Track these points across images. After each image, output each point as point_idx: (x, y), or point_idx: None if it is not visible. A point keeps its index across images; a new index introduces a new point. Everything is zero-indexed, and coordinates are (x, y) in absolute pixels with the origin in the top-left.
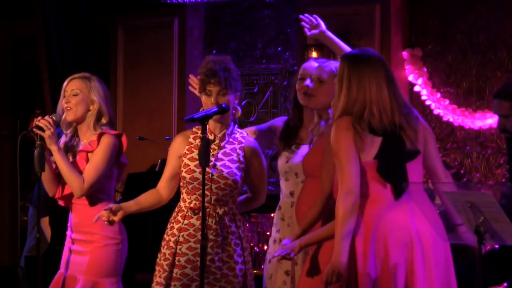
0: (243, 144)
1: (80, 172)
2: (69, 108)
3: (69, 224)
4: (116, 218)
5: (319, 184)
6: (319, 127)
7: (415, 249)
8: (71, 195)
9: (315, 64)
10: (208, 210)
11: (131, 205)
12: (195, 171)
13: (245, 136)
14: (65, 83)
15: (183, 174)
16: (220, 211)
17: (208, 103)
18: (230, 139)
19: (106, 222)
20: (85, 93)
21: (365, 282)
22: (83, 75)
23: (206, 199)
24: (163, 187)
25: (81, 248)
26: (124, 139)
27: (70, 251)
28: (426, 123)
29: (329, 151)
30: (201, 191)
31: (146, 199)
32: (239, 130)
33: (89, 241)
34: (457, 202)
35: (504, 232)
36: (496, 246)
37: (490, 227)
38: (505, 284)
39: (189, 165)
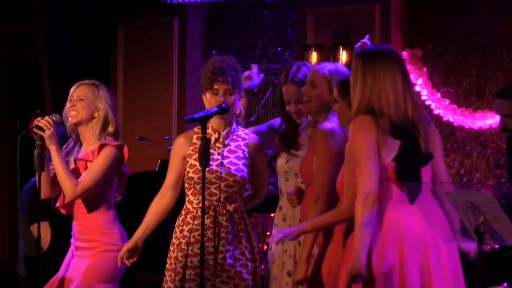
0: (247, 141)
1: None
2: (74, 111)
3: (72, 232)
4: (137, 253)
5: None
6: (310, 131)
7: (430, 250)
8: (73, 203)
9: (293, 88)
10: (218, 208)
11: (143, 231)
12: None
13: (247, 132)
14: (72, 88)
15: (191, 174)
16: (231, 208)
17: (213, 102)
18: (234, 137)
19: (129, 263)
20: (91, 99)
21: (380, 283)
22: (92, 82)
23: (215, 198)
24: (169, 191)
25: (82, 253)
26: (125, 150)
27: (73, 255)
28: (436, 128)
29: (317, 153)
30: (209, 190)
31: (153, 217)
32: (241, 127)
33: (90, 247)
34: (457, 202)
35: (504, 232)
36: (496, 246)
37: (490, 227)
38: (505, 284)
39: (196, 165)
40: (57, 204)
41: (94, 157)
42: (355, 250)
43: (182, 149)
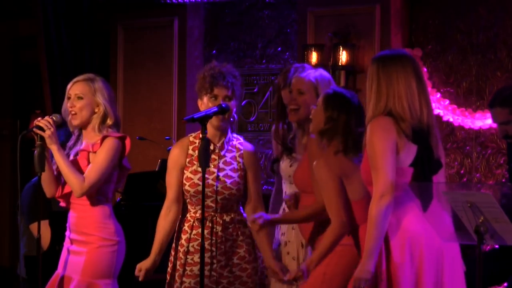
0: (241, 151)
1: (80, 171)
2: (74, 112)
3: (68, 224)
4: (153, 270)
5: (313, 198)
6: (305, 140)
7: (445, 259)
8: (70, 194)
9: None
10: (215, 218)
11: (159, 249)
12: (199, 185)
13: (242, 142)
14: (69, 86)
15: (187, 187)
16: (227, 218)
17: (210, 106)
18: (229, 147)
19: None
20: (90, 96)
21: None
22: (87, 77)
23: (211, 209)
24: (173, 206)
25: (78, 249)
26: (127, 141)
27: (68, 251)
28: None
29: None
30: (205, 203)
31: (164, 233)
32: (235, 136)
33: (85, 242)
34: (457, 202)
35: (504, 232)
36: (496, 246)
37: (490, 227)
38: (505, 284)
39: (192, 179)
40: (56, 195)
41: (95, 149)
42: (366, 251)
43: (179, 161)
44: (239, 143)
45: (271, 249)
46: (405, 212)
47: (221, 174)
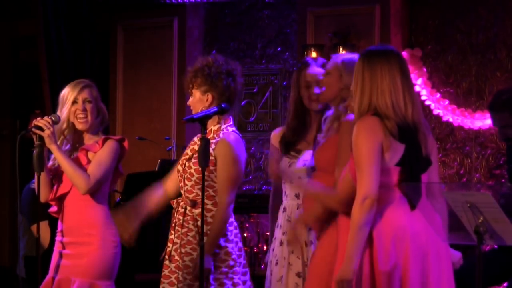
0: (218, 139)
1: (82, 169)
2: (84, 116)
3: (59, 229)
4: None
5: (329, 178)
6: (336, 120)
7: (430, 257)
8: (64, 196)
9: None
10: (180, 202)
11: None
12: (178, 163)
13: (228, 132)
14: (75, 92)
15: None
16: (188, 208)
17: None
18: (215, 135)
19: None
20: (97, 101)
21: (383, 282)
22: (89, 83)
23: (182, 190)
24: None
25: (76, 251)
26: (126, 143)
27: (61, 255)
28: (434, 139)
29: (343, 150)
30: (180, 184)
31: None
32: (230, 128)
33: (86, 243)
34: (457, 202)
35: (504, 232)
36: (496, 246)
37: (490, 227)
38: (505, 284)
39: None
40: (49, 198)
41: (98, 148)
42: (348, 252)
43: None
44: (223, 133)
45: None
46: (391, 209)
47: (193, 159)
